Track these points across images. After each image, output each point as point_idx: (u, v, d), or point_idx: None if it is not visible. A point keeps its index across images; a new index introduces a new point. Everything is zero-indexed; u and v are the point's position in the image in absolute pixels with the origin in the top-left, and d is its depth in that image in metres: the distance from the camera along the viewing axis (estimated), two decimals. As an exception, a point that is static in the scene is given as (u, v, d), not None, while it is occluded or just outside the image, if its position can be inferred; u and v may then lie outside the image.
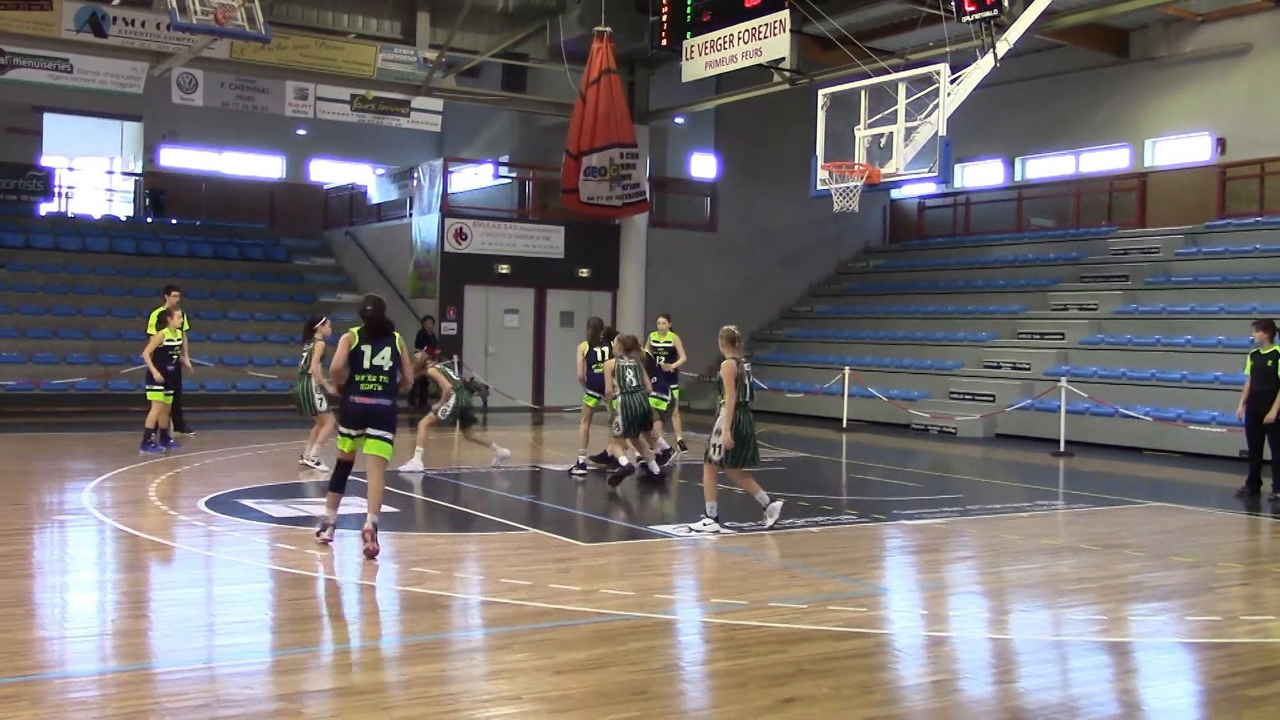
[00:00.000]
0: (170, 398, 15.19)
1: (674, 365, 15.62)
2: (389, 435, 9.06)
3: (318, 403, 13.73)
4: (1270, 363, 12.95)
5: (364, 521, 8.97)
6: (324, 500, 9.49)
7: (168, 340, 15.14)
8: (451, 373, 14.51)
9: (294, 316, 24.40)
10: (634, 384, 13.02)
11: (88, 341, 22.65)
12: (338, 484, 9.25)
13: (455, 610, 7.62)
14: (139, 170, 30.01)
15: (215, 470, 13.60)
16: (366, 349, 9.09)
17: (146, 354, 15.04)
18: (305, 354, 13.98)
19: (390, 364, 9.12)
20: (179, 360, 15.43)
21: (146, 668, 6.21)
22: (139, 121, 29.45)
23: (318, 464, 13.50)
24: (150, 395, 15.00)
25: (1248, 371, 13.29)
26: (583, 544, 9.83)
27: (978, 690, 6.19)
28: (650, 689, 5.92)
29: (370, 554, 8.74)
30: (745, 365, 10.38)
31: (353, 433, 9.08)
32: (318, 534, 9.28)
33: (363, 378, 9.04)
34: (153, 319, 15.72)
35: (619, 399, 13.05)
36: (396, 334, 9.30)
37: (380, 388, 9.06)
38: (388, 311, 9.45)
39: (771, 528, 10.29)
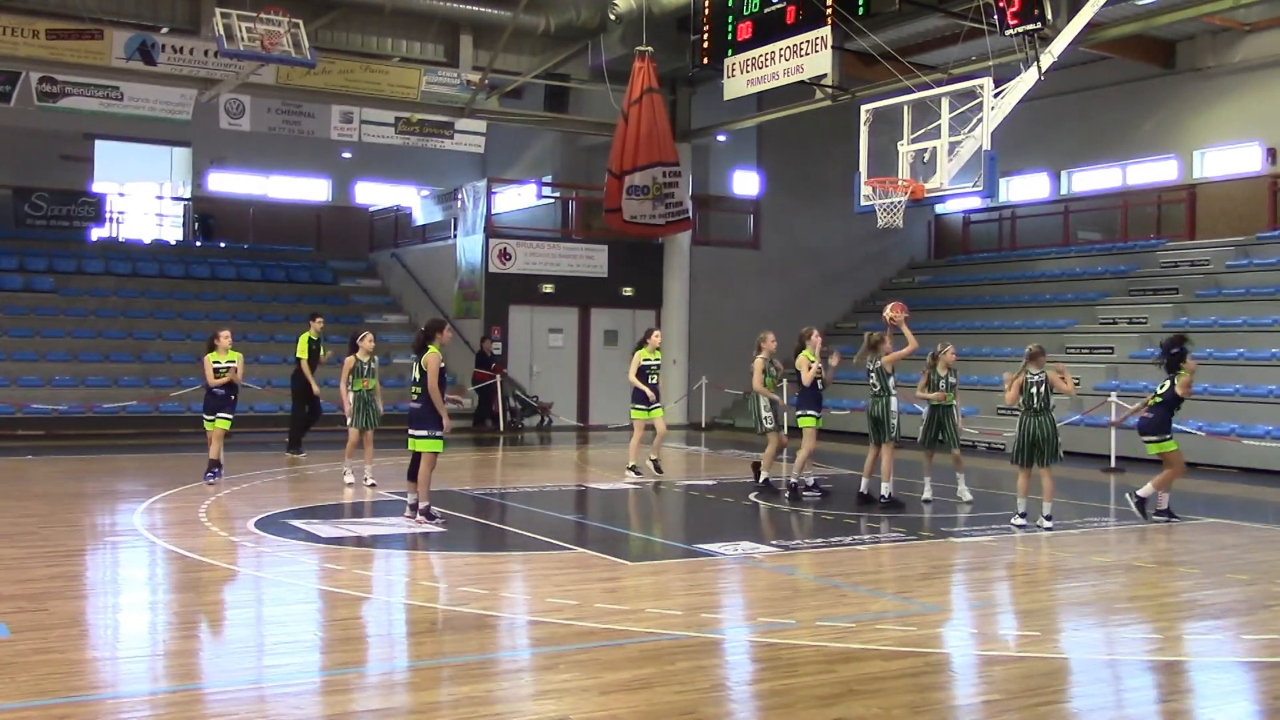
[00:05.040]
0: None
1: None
2: (421, 433, 11.08)
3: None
4: None
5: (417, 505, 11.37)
6: (368, 520, 11.80)
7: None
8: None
9: (339, 339, 24.57)
10: (1043, 403, 11.48)
11: (139, 364, 22.94)
12: (409, 474, 11.49)
13: (502, 630, 7.62)
14: (188, 195, 30.44)
15: (264, 491, 13.71)
16: (413, 363, 11.30)
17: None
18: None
19: (418, 375, 11.10)
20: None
21: (197, 688, 6.26)
22: (188, 147, 29.87)
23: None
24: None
25: None
26: (628, 563, 9.81)
27: (1029, 710, 6.10)
28: (697, 709, 5.89)
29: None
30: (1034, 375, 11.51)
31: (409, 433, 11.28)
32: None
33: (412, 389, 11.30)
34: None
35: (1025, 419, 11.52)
36: (431, 347, 11.04)
37: (415, 395, 11.16)
38: (438, 333, 11.22)
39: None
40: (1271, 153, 23.19)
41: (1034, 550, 10.61)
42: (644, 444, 15.57)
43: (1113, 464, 17.27)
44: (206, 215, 29.89)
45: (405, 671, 6.73)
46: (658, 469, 15.27)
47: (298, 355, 17.30)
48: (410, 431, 11.23)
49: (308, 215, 30.91)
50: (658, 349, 15.35)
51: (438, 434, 11.12)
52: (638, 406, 15.23)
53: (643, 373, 15.14)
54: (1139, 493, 12.23)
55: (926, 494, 13.25)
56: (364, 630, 7.76)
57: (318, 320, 17.54)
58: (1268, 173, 23.14)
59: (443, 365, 11.20)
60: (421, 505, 11.33)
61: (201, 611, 8.12)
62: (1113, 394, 17.99)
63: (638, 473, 15.19)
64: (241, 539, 10.54)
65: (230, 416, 14.32)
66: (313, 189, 32.25)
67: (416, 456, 11.31)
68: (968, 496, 13.26)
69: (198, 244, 29.07)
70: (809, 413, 13.51)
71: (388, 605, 8.43)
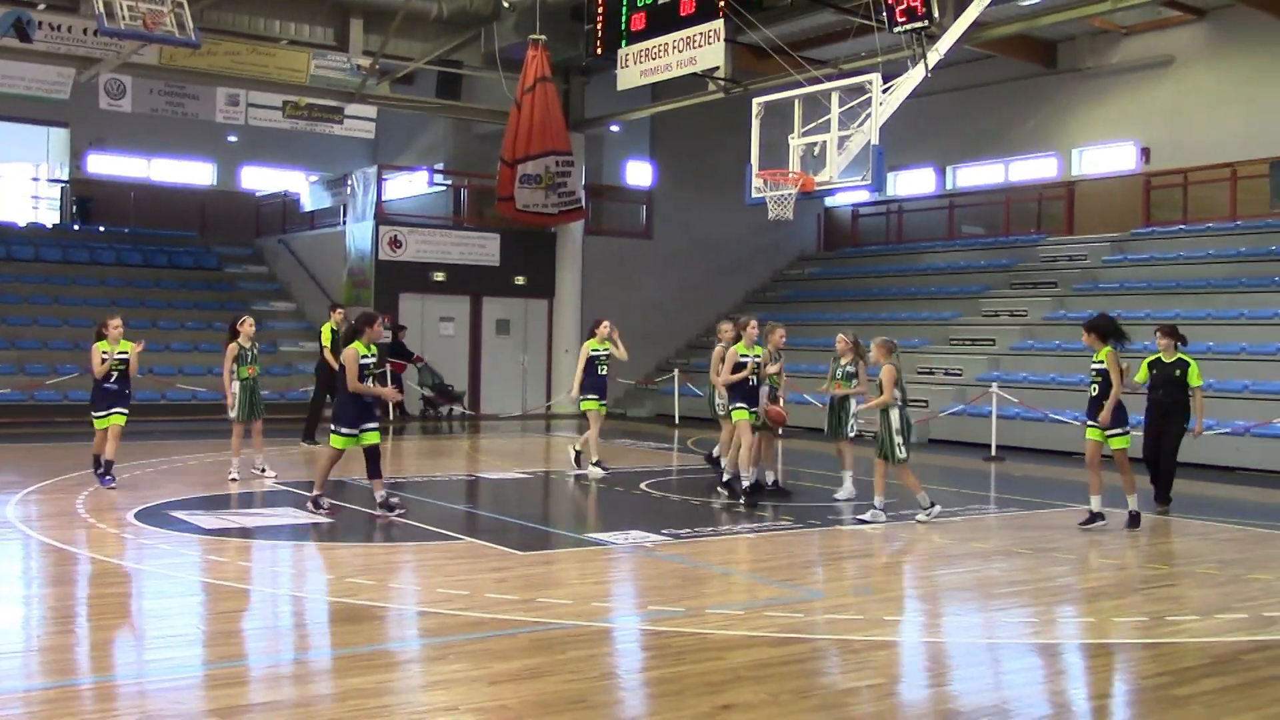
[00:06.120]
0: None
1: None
2: (331, 427, 11.21)
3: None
4: (1178, 372, 12.45)
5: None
6: (254, 511, 11.59)
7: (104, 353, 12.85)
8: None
9: (224, 325, 24.13)
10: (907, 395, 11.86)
11: (13, 351, 22.19)
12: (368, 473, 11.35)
13: (391, 621, 7.56)
14: (66, 177, 29.49)
15: (145, 482, 13.37)
16: None
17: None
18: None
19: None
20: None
21: (74, 684, 6.09)
22: (65, 128, 28.94)
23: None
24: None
25: (1141, 379, 12.65)
26: (519, 553, 9.79)
27: (913, 694, 6.25)
28: (588, 698, 5.92)
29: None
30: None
31: None
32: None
33: None
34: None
35: (893, 412, 11.55)
36: (356, 343, 10.88)
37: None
38: (367, 327, 11.00)
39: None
40: (1145, 152, 24.00)
41: (917, 538, 10.85)
42: (579, 434, 15.53)
43: (993, 453, 17.73)
44: (85, 198, 29.01)
45: (291, 664, 6.64)
46: (577, 462, 14.90)
47: (321, 344, 16.71)
48: None
49: (192, 199, 30.19)
50: (606, 340, 14.71)
51: (342, 430, 10.99)
52: (588, 398, 14.63)
53: (592, 363, 14.60)
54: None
55: (842, 494, 12.91)
56: (248, 623, 7.63)
57: (339, 311, 17.01)
58: (1141, 171, 23.94)
59: (368, 359, 10.91)
60: (312, 494, 11.22)
61: (78, 605, 7.90)
62: (994, 384, 18.46)
63: (604, 468, 14.69)
64: (120, 531, 10.27)
65: (125, 411, 12.91)
66: (197, 172, 31.51)
67: (369, 451, 11.05)
68: (845, 495, 12.98)
69: (76, 227, 28.23)
70: (739, 406, 12.72)
71: (273, 597, 8.30)
